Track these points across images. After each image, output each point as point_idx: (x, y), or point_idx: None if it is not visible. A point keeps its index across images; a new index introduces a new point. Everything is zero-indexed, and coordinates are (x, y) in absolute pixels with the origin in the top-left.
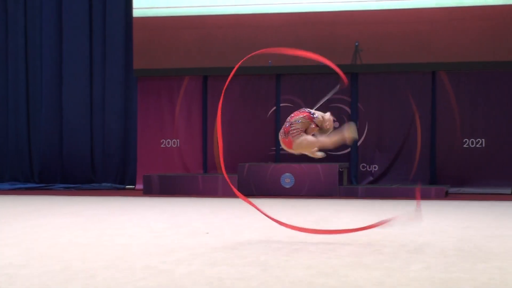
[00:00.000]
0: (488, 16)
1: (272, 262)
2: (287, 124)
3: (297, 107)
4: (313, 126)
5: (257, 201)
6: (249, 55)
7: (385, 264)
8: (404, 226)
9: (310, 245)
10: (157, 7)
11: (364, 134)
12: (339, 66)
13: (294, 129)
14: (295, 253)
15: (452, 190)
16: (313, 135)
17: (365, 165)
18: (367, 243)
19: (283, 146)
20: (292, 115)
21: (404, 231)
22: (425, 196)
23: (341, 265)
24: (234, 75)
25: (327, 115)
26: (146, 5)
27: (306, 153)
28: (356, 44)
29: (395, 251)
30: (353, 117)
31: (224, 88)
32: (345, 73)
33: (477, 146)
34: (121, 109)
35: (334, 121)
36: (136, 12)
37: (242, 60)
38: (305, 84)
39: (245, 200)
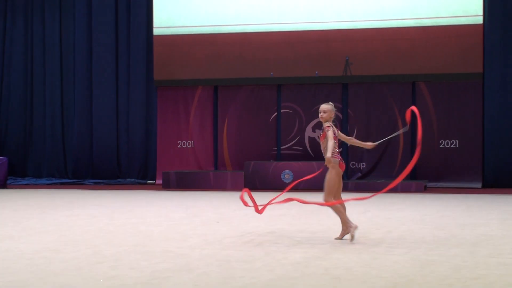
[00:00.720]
0: (459, 34)
1: (274, 248)
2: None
3: (296, 114)
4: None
5: (261, 194)
6: None
7: (372, 248)
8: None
9: (308, 233)
10: (174, 26)
11: (354, 136)
12: (332, 77)
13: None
14: (295, 240)
15: (430, 184)
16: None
17: (355, 163)
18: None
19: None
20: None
21: (389, 221)
22: (406, 190)
23: (334, 250)
24: (240, 85)
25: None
26: (164, 24)
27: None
28: (347, 58)
29: (380, 237)
30: (344, 121)
31: None
32: (336, 83)
33: (452, 146)
34: (143, 115)
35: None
36: (156, 31)
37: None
38: (303, 93)
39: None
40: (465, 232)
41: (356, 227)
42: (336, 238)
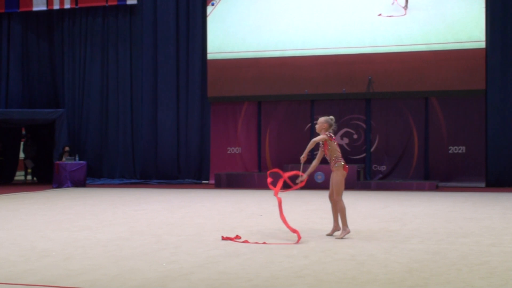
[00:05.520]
0: (465, 57)
1: (308, 237)
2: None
3: None
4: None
5: (298, 192)
6: None
7: (392, 238)
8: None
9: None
10: (225, 52)
11: (376, 143)
12: (357, 93)
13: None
14: (326, 231)
15: (441, 184)
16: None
17: (376, 165)
18: (379, 222)
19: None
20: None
21: (405, 215)
22: (421, 189)
23: (359, 240)
24: (279, 101)
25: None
26: (216, 50)
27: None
28: (369, 78)
29: (398, 229)
30: (367, 130)
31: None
32: (361, 99)
33: (459, 152)
34: (198, 126)
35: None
36: (210, 56)
37: None
38: (332, 107)
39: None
40: (471, 225)
41: (349, 232)
42: (327, 234)
